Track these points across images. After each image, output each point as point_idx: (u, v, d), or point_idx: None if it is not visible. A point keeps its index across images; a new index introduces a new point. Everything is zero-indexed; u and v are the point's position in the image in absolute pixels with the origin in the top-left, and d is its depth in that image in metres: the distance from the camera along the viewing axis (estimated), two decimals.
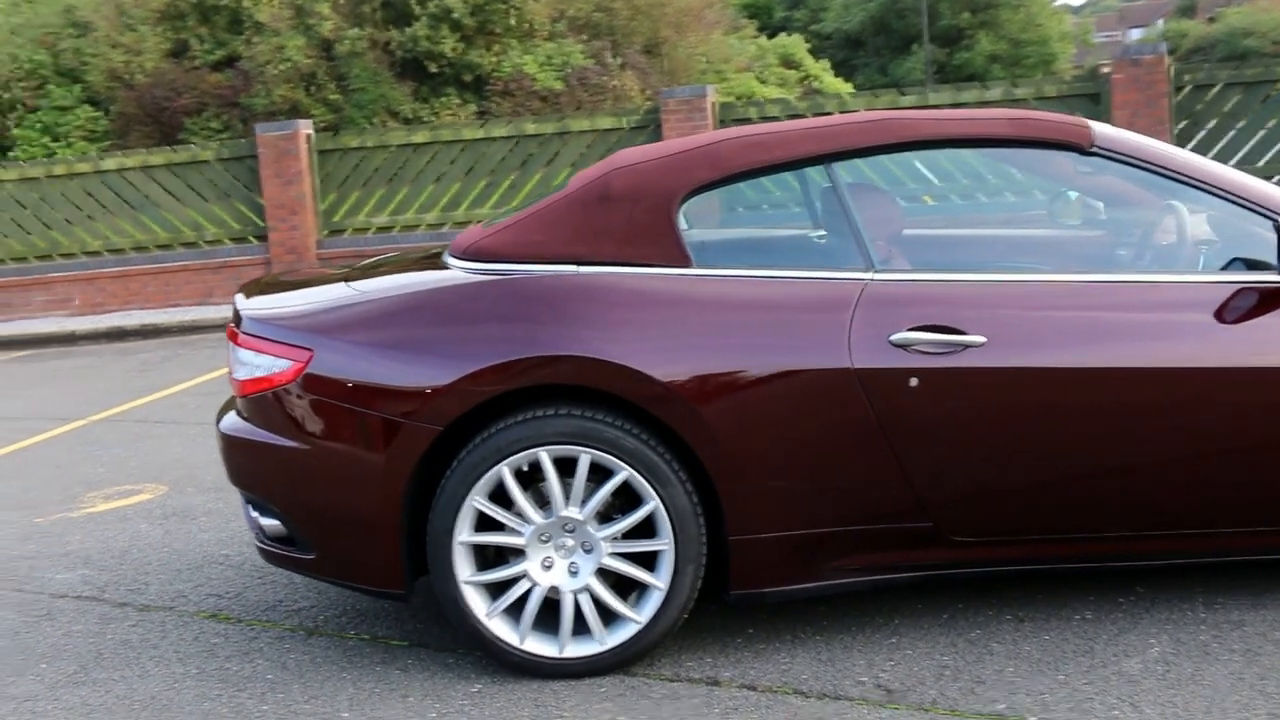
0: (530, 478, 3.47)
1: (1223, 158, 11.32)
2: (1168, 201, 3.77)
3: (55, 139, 26.03)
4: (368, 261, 4.15)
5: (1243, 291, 3.45)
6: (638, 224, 3.54)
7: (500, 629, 3.49)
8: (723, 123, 12.36)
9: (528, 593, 3.47)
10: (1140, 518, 3.50)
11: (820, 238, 3.86)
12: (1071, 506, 3.46)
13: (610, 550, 3.45)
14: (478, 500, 3.42)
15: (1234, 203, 3.53)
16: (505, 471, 3.40)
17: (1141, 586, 3.85)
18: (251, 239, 13.20)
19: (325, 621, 4.10)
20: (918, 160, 4.91)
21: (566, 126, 12.78)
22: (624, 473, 3.39)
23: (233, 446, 3.75)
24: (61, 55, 25.71)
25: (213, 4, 26.29)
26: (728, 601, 3.54)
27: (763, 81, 32.53)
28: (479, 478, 3.40)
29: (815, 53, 39.17)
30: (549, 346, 3.38)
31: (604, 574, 3.48)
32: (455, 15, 26.50)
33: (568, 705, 3.36)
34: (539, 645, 3.49)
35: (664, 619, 3.45)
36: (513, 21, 27.27)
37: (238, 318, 3.75)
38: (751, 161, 3.62)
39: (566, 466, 3.43)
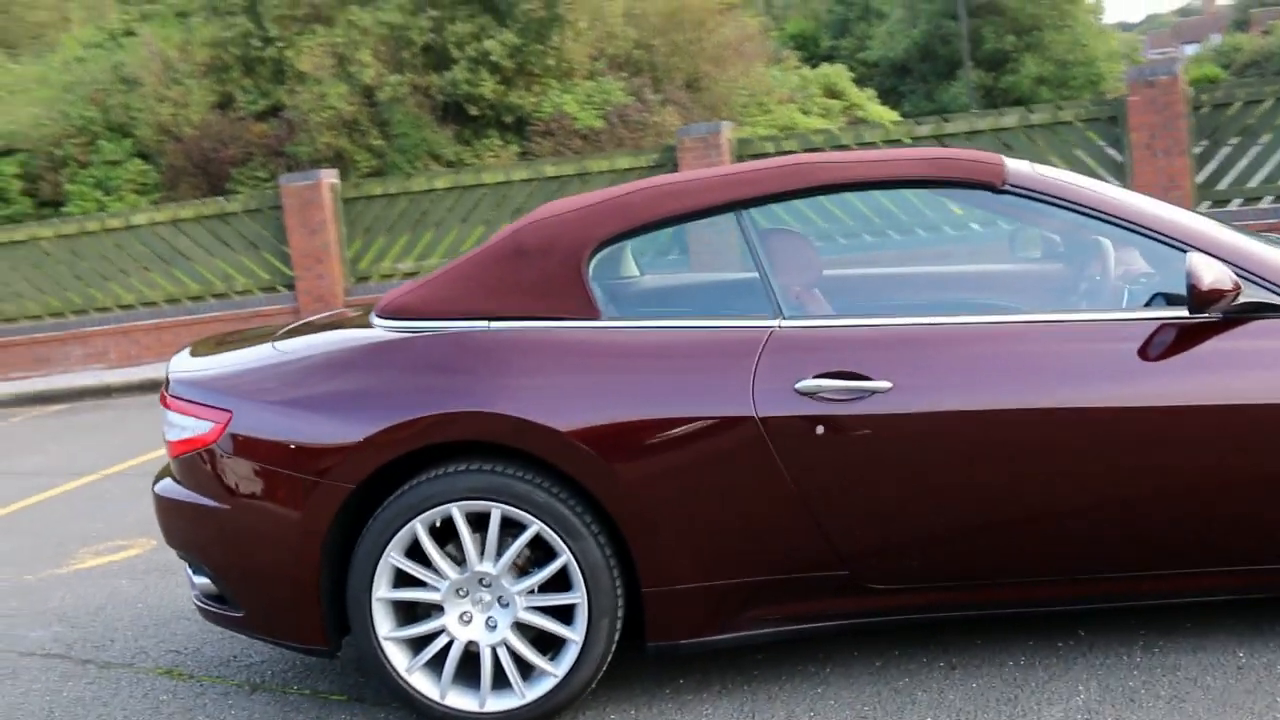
0: (449, 533, 3.49)
1: (1245, 177, 11.16)
2: (1094, 238, 3.72)
3: (107, 193, 26.59)
4: (301, 321, 4.21)
5: (1162, 329, 3.39)
6: (548, 277, 3.56)
7: (422, 684, 3.50)
8: (739, 159, 12.37)
9: (447, 647, 3.49)
10: (1063, 562, 3.44)
11: (731, 285, 3.86)
12: (991, 552, 3.41)
13: (525, 604, 3.46)
14: (394, 557, 3.45)
15: (1150, 238, 3.48)
16: (419, 528, 3.43)
17: (1084, 629, 3.78)
18: (280, 288, 13.39)
19: (271, 677, 4.13)
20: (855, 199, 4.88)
21: (585, 167, 12.86)
22: (535, 526, 3.40)
23: (164, 507, 3.81)
24: (111, 111, 26.29)
25: (256, 55, 26.79)
26: (645, 654, 3.53)
27: (805, 113, 32.49)
28: (394, 534, 3.43)
29: (861, 81, 39.08)
30: (453, 403, 3.40)
31: (524, 628, 3.49)
32: (494, 58, 26.77)
33: None
34: (461, 699, 3.50)
35: (581, 671, 3.45)
36: (551, 62, 27.49)
37: (167, 381, 3.82)
38: (663, 211, 3.63)
39: (485, 522, 3.44)
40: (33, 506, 7.41)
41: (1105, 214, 3.49)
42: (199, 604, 3.86)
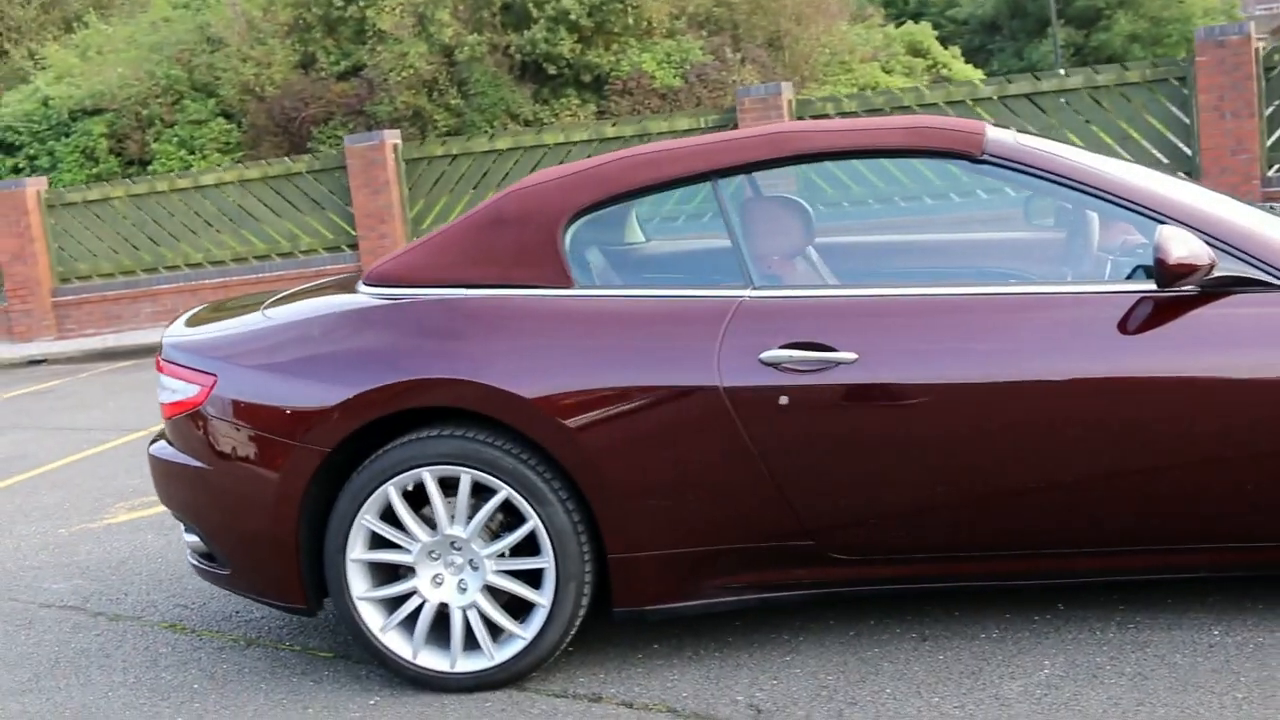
0: (425, 497, 3.55)
1: None
2: (1079, 209, 3.66)
3: (191, 152, 27.07)
4: (296, 289, 4.28)
5: (1140, 302, 3.32)
6: (524, 246, 3.59)
7: (395, 643, 3.58)
8: (799, 119, 12.26)
9: (420, 608, 3.56)
10: (1032, 537, 3.41)
11: (708, 254, 3.85)
12: (958, 525, 3.39)
13: (495, 568, 3.52)
14: (368, 519, 3.52)
15: (1128, 209, 3.41)
16: (392, 491, 3.49)
17: (1063, 603, 3.75)
18: (344, 248, 13.59)
19: (267, 633, 4.25)
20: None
21: (645, 128, 12.85)
22: (504, 492, 3.45)
23: (157, 468, 3.92)
24: (196, 71, 26.74)
25: (338, 15, 27.04)
26: (612, 619, 3.57)
27: (888, 71, 32.02)
28: (368, 497, 3.50)
29: (948, 39, 38.41)
30: (423, 370, 3.46)
31: (496, 591, 3.54)
32: (573, 16, 26.74)
33: (451, 719, 3.44)
34: (432, 659, 3.58)
35: (549, 635, 3.50)
36: (630, 20, 27.38)
37: (162, 345, 3.92)
38: (639, 180, 3.64)
39: (459, 486, 3.50)
40: (81, 461, 7.65)
41: (1084, 185, 3.43)
42: (192, 562, 3.98)
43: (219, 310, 4.20)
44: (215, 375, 3.68)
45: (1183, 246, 3.15)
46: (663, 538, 3.44)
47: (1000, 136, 3.55)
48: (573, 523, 3.44)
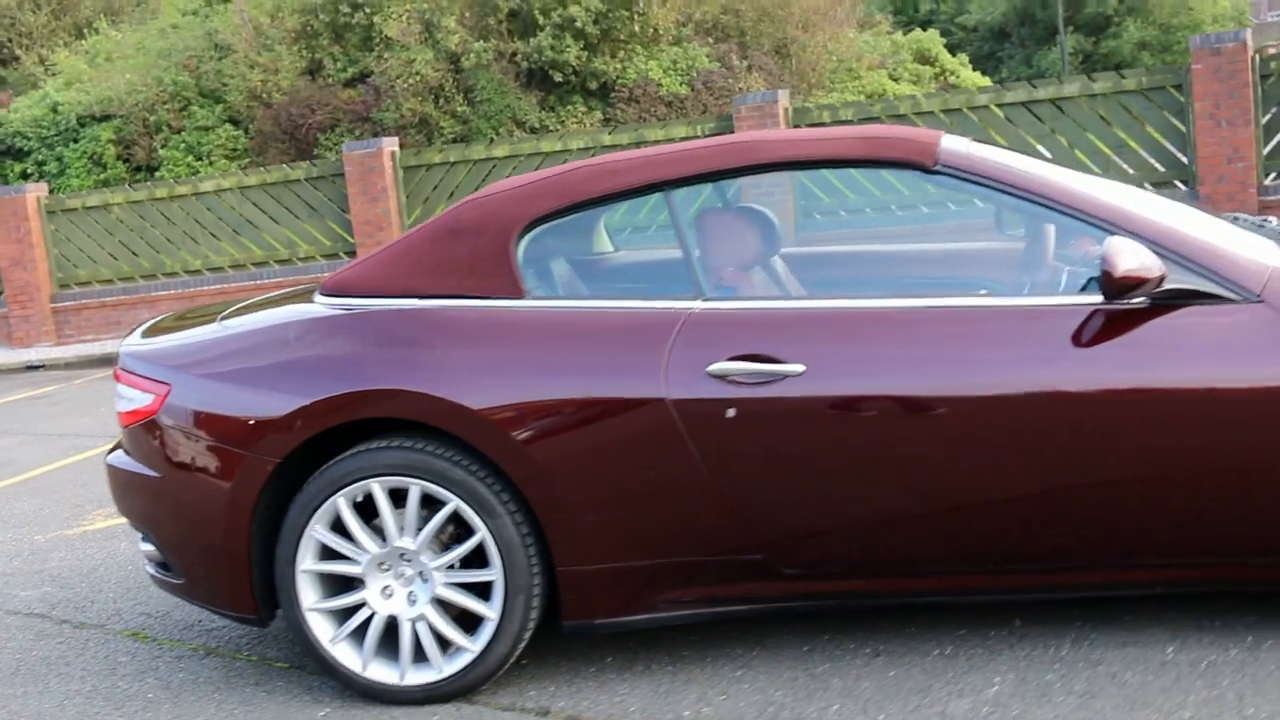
0: (377, 508, 3.53)
1: None
2: (1034, 220, 3.64)
3: (198, 158, 27.07)
4: (255, 299, 4.28)
5: (1092, 315, 3.29)
6: (477, 256, 3.58)
7: (345, 655, 3.57)
8: (795, 126, 12.24)
9: (369, 620, 3.54)
10: (982, 554, 3.38)
11: (662, 265, 3.83)
12: (908, 541, 3.37)
13: (444, 580, 3.50)
14: (318, 530, 3.51)
15: (1082, 221, 3.38)
16: (341, 502, 3.48)
17: (1021, 618, 3.72)
18: (342, 255, 13.60)
19: (226, 642, 4.24)
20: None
21: (642, 136, 12.85)
22: (453, 503, 3.43)
23: (114, 477, 3.92)
24: (203, 77, 26.78)
25: (345, 22, 27.07)
26: (562, 632, 3.55)
27: (895, 79, 31.94)
28: (317, 508, 3.49)
29: (958, 46, 38.25)
30: (374, 381, 3.45)
31: (445, 603, 3.53)
32: (579, 24, 26.75)
33: None
34: (382, 671, 3.56)
35: (497, 648, 3.48)
36: (637, 28, 27.39)
37: (120, 355, 3.92)
38: (594, 190, 3.62)
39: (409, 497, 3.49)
40: (64, 468, 7.66)
41: (1036, 195, 3.40)
42: (149, 571, 3.97)
43: (180, 320, 4.20)
44: (169, 384, 3.67)
45: (1131, 259, 3.12)
46: (611, 551, 3.42)
47: (954, 147, 3.53)
48: (521, 535, 3.43)
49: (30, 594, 5.02)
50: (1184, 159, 11.01)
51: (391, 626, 3.55)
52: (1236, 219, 4.06)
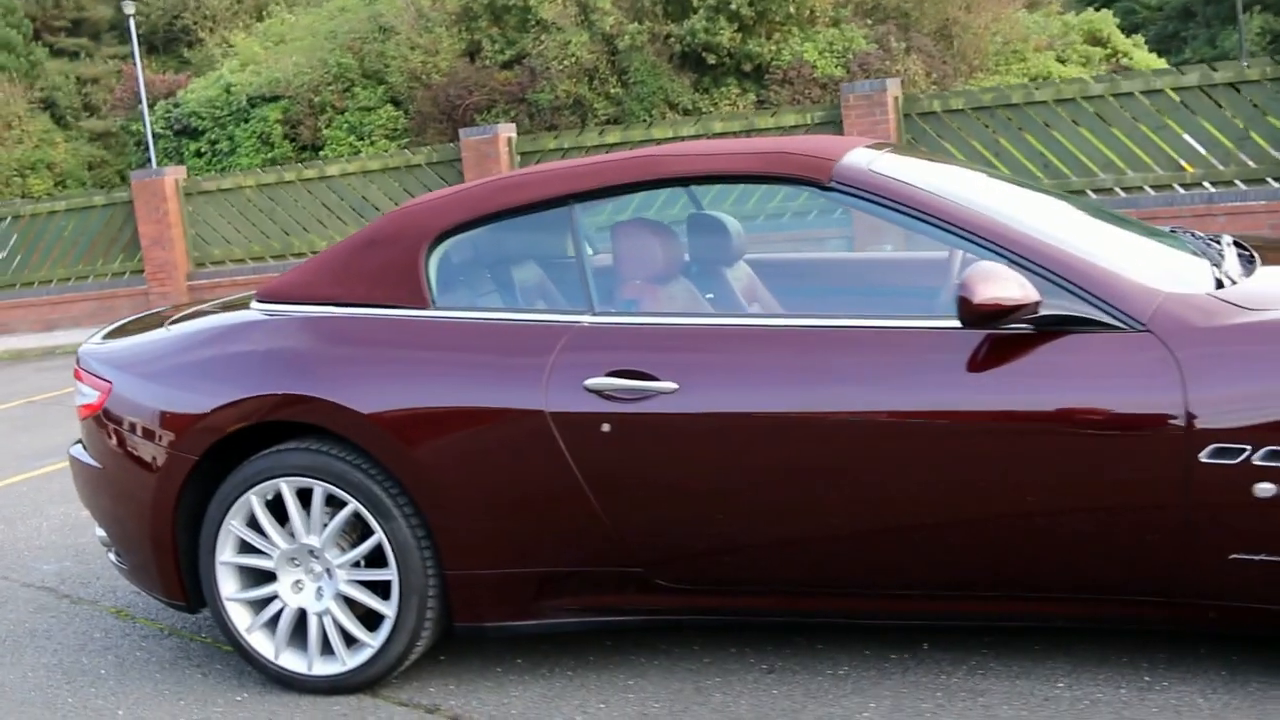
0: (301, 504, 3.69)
1: None
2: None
3: (360, 138, 27.96)
4: (204, 304, 4.46)
5: (974, 339, 3.19)
6: (389, 266, 3.69)
7: (260, 643, 3.74)
8: (906, 116, 12.04)
9: (281, 611, 3.71)
10: (858, 576, 3.34)
11: (566, 278, 3.87)
12: (781, 561, 3.35)
13: (347, 578, 3.64)
14: (234, 525, 3.68)
15: (970, 243, 3.29)
16: (254, 499, 3.65)
17: (930, 642, 3.67)
18: None
19: (191, 623, 4.46)
20: None
21: (753, 124, 12.79)
22: (352, 505, 3.56)
23: (72, 468, 4.18)
24: (366, 59, 27.60)
25: (504, 4, 27.54)
26: (454, 634, 3.65)
27: (1063, 61, 30.99)
28: (232, 504, 3.66)
29: (1140, 26, 36.91)
30: (279, 385, 3.60)
31: (350, 600, 3.66)
32: (733, 6, 26.67)
33: (299, 718, 3.58)
34: (293, 661, 3.72)
35: (395, 644, 3.60)
36: (792, 9, 27.17)
37: (78, 354, 4.18)
38: (502, 203, 3.69)
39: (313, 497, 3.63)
40: None
41: (923, 216, 3.32)
42: (108, 556, 4.21)
43: (139, 323, 4.41)
44: (111, 382, 3.89)
45: (993, 286, 3.03)
46: (497, 557, 3.50)
47: (853, 162, 3.46)
48: (416, 538, 3.53)
49: (51, 568, 5.36)
50: None
51: (301, 619, 3.71)
52: (1173, 231, 3.91)
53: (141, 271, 14.68)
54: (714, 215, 4.25)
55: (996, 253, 3.23)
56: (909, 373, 3.22)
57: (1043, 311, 3.11)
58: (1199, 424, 3.00)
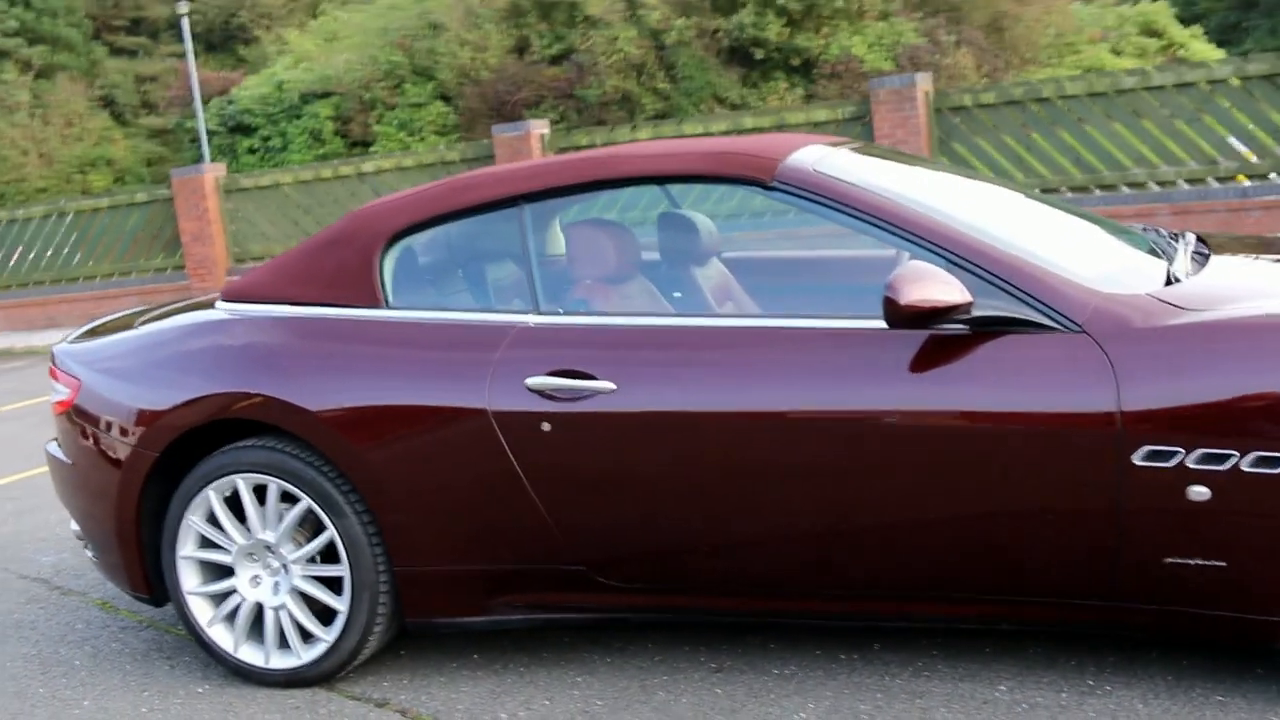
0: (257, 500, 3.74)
1: None
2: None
3: (410, 134, 28.14)
4: (173, 304, 4.51)
5: (912, 340, 3.18)
6: (345, 266, 3.74)
7: (220, 636, 3.81)
8: (937, 111, 11.95)
9: (240, 605, 3.77)
10: (801, 576, 3.34)
11: (515, 278, 3.89)
12: (721, 559, 3.36)
13: (301, 573, 3.69)
14: (194, 520, 3.75)
15: (910, 242, 3.27)
16: (212, 495, 3.71)
17: (880, 643, 3.66)
18: None
19: (170, 616, 4.54)
20: None
21: (783, 119, 12.74)
22: (305, 501, 3.61)
23: (49, 463, 4.26)
24: (416, 55, 27.79)
25: (551, 0, 27.59)
26: (406, 629, 3.69)
27: (1118, 53, 30.56)
28: (190, 500, 3.73)
29: (1200, 17, 36.34)
30: (234, 384, 3.65)
31: (305, 595, 3.72)
32: (780, 1, 26.57)
33: (250, 710, 3.64)
34: (251, 654, 3.79)
35: (348, 639, 3.65)
36: (841, 3, 27.03)
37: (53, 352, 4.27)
38: (455, 204, 3.73)
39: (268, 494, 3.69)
40: None
41: (861, 215, 3.30)
42: (85, 551, 4.30)
43: (114, 323, 4.48)
44: (79, 379, 3.97)
45: (920, 287, 3.01)
46: (444, 554, 3.53)
47: (799, 162, 3.45)
48: (367, 534, 3.58)
49: (49, 560, 5.47)
50: None
51: (261, 613, 3.76)
52: (1145, 230, 3.86)
53: (183, 267, 14.90)
54: (684, 214, 4.26)
55: (935, 253, 3.21)
56: (847, 373, 3.21)
57: (977, 312, 3.09)
58: (1132, 426, 2.97)
